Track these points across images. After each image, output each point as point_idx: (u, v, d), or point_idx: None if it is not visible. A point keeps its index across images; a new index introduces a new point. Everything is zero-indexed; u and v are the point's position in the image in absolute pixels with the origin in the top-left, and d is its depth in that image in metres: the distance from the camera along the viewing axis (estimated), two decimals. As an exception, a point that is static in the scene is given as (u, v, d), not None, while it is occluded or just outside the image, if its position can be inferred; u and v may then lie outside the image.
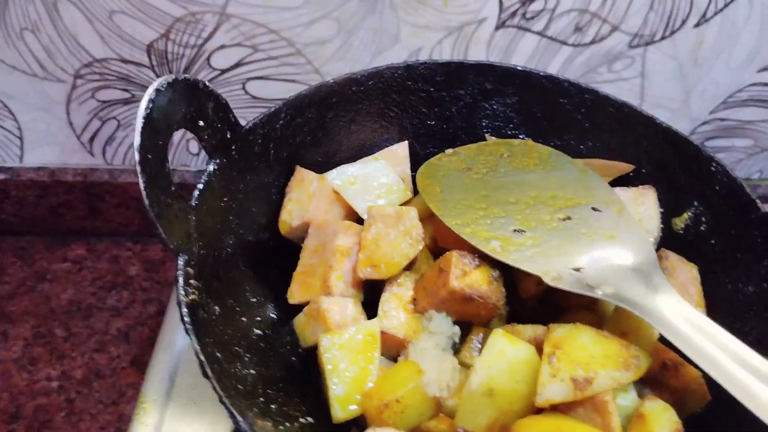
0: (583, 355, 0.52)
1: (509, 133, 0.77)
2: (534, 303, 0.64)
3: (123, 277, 1.01)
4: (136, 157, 0.49)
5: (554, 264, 0.58)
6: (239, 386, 0.53)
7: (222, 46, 0.85)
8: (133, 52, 0.85)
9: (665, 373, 0.57)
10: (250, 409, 0.52)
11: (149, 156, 0.50)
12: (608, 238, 0.60)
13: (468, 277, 0.58)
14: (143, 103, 0.50)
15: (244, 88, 0.90)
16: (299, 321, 0.63)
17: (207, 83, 0.57)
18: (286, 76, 0.88)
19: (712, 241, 0.67)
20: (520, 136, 0.76)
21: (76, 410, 0.86)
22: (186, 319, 0.52)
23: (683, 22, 0.84)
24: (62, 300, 0.97)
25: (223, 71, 0.88)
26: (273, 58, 0.86)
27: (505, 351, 0.54)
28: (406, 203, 0.69)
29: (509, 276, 0.61)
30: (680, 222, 0.69)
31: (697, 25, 0.84)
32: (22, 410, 0.86)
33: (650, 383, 0.57)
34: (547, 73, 0.74)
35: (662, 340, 0.55)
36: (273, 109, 0.66)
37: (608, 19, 0.84)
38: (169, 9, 0.81)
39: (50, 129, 0.94)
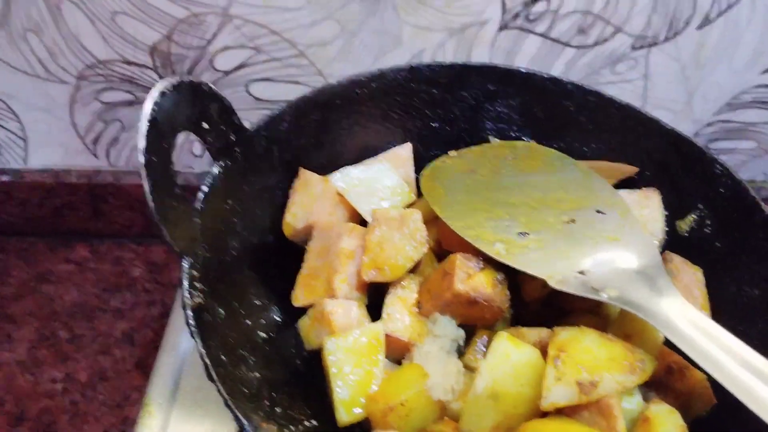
0: (588, 358, 0.52)
1: (512, 134, 0.77)
2: (538, 306, 0.64)
3: (126, 278, 1.01)
4: (141, 160, 0.49)
5: (559, 267, 0.58)
6: (244, 389, 0.54)
7: (225, 48, 0.85)
8: (136, 53, 0.85)
9: (670, 376, 0.57)
10: (255, 413, 0.52)
11: (153, 159, 0.50)
12: (612, 241, 0.60)
13: (472, 280, 0.58)
14: (147, 106, 0.50)
15: (247, 90, 0.89)
16: (303, 324, 0.63)
17: (211, 85, 0.57)
18: (290, 77, 0.88)
19: (717, 244, 0.66)
20: (524, 138, 0.76)
21: (80, 413, 0.86)
22: (191, 322, 0.52)
23: (686, 24, 0.84)
24: (66, 302, 0.97)
25: (227, 73, 0.88)
26: (276, 59, 0.86)
27: (510, 354, 0.53)
28: (410, 206, 0.69)
29: (513, 279, 0.61)
30: (684, 224, 0.69)
31: (700, 27, 0.84)
32: (27, 413, 0.86)
33: (655, 386, 0.57)
34: (551, 74, 0.74)
35: (667, 343, 0.55)
36: (276, 112, 0.66)
37: (611, 20, 0.84)
38: (172, 10, 0.81)
39: (54, 131, 0.94)
